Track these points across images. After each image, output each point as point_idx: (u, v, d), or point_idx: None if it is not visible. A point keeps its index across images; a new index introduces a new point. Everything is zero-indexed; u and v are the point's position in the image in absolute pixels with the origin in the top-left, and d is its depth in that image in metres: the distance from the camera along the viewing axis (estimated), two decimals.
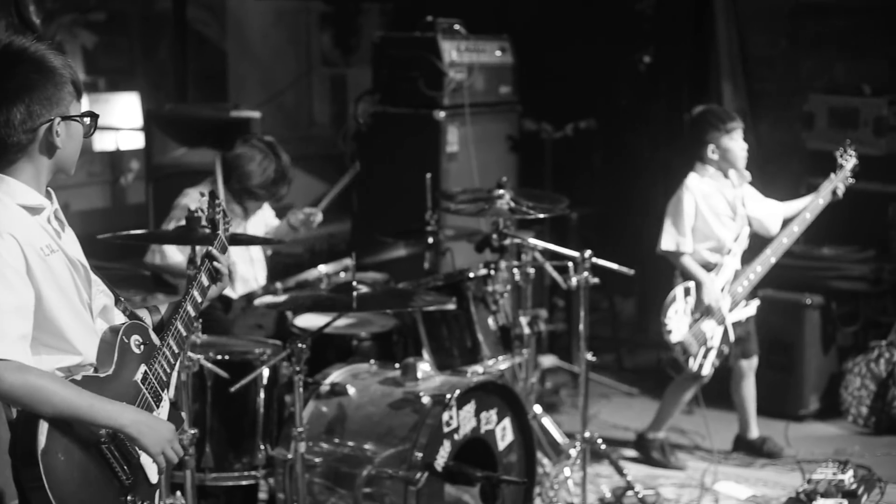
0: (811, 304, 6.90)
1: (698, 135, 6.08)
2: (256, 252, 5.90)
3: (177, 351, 3.37)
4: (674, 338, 5.88)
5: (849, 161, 6.16)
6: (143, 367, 3.25)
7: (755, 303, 6.17)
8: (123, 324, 3.28)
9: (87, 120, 3.24)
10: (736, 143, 6.05)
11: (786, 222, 6.13)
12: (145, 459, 3.23)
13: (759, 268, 6.03)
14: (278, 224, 5.99)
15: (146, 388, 3.25)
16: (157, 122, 7.59)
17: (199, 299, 3.51)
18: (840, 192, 6.09)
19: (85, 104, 3.30)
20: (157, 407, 3.29)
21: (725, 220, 6.06)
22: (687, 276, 5.99)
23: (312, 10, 10.87)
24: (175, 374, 3.44)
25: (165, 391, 3.33)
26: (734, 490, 5.87)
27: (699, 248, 6.04)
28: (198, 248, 3.97)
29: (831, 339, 7.02)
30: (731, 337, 6.02)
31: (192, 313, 3.47)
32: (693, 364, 5.90)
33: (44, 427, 2.99)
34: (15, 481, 3.09)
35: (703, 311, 5.92)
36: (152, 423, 3.20)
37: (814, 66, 8.20)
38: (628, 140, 8.75)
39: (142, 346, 3.27)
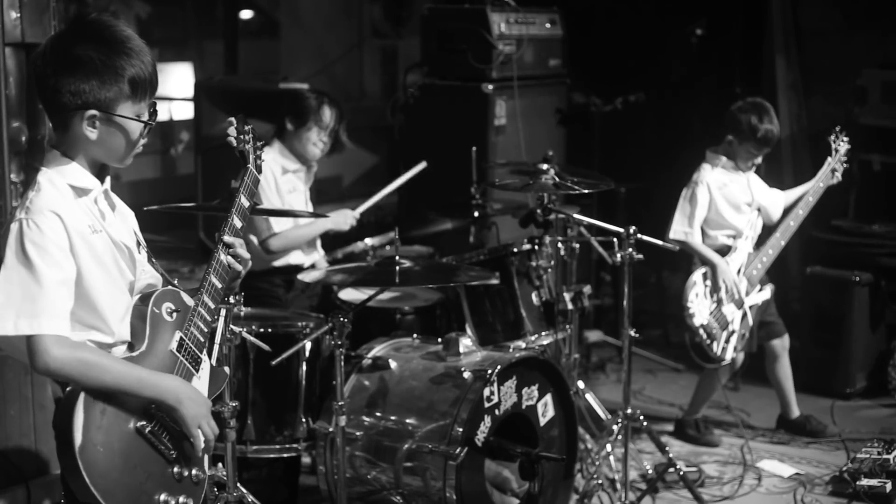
0: (860, 280, 6.83)
1: (732, 120, 6.04)
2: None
3: (212, 306, 3.34)
4: (697, 321, 5.85)
5: (842, 146, 6.19)
6: (178, 335, 3.25)
7: (770, 287, 6.14)
8: (153, 292, 3.27)
9: (132, 124, 3.18)
10: (753, 157, 6.06)
11: (786, 210, 6.15)
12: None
13: (771, 251, 6.05)
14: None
15: (183, 356, 3.25)
16: (206, 93, 7.63)
17: (240, 224, 3.46)
18: (839, 175, 6.13)
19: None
20: (197, 371, 3.30)
21: (743, 208, 6.07)
22: (704, 260, 5.97)
23: None
24: (220, 327, 3.44)
25: (203, 352, 3.33)
26: (778, 468, 5.84)
27: (715, 235, 6.04)
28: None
29: (880, 317, 6.95)
30: (750, 321, 6.01)
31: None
32: (717, 348, 5.88)
33: (79, 423, 3.00)
34: (59, 458, 3.13)
35: (721, 293, 5.89)
36: (195, 396, 3.23)
37: (868, 40, 8.09)
38: (678, 114, 8.67)
39: (174, 314, 3.26)
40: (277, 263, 5.69)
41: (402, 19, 10.59)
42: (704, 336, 5.85)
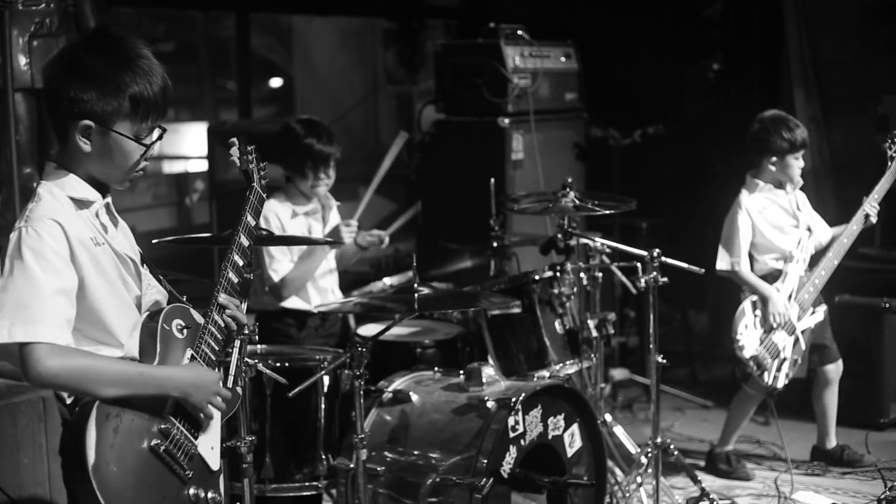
0: (889, 307, 6.68)
1: (763, 144, 5.92)
2: (333, 262, 5.74)
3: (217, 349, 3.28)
4: (746, 353, 5.72)
5: None
6: (189, 352, 3.16)
7: (823, 308, 5.99)
8: (162, 309, 3.18)
9: (128, 143, 3.08)
10: (799, 163, 5.93)
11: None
12: (203, 448, 3.16)
13: (824, 272, 5.89)
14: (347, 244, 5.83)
15: None
16: (219, 138, 7.54)
17: (246, 243, 3.39)
18: (873, 218, 5.91)
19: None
20: None
21: (788, 230, 5.95)
22: (753, 290, 5.84)
23: (377, 27, 10.83)
24: (234, 357, 3.34)
25: (215, 370, 3.25)
26: (813, 499, 5.66)
27: (764, 259, 5.91)
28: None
29: None
30: (803, 346, 5.86)
31: (240, 261, 3.37)
32: (768, 378, 5.74)
33: (91, 441, 2.92)
34: (65, 482, 3.02)
35: (772, 323, 5.75)
36: (196, 380, 3.14)
37: (888, 68, 8.01)
38: (698, 148, 8.59)
39: (185, 330, 3.18)
40: (288, 305, 5.53)
41: (416, 64, 10.53)
42: (755, 367, 5.72)
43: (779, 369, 5.78)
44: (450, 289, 5.69)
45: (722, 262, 5.90)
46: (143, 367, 3.06)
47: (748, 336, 5.74)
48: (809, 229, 5.96)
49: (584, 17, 8.64)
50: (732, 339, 5.73)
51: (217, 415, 3.22)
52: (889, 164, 5.94)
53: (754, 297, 5.81)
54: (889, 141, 5.98)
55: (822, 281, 5.89)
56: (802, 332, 5.86)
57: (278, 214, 5.49)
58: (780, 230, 5.92)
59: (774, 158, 5.89)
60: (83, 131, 3.05)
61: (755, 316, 5.78)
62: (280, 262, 5.43)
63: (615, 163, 7.78)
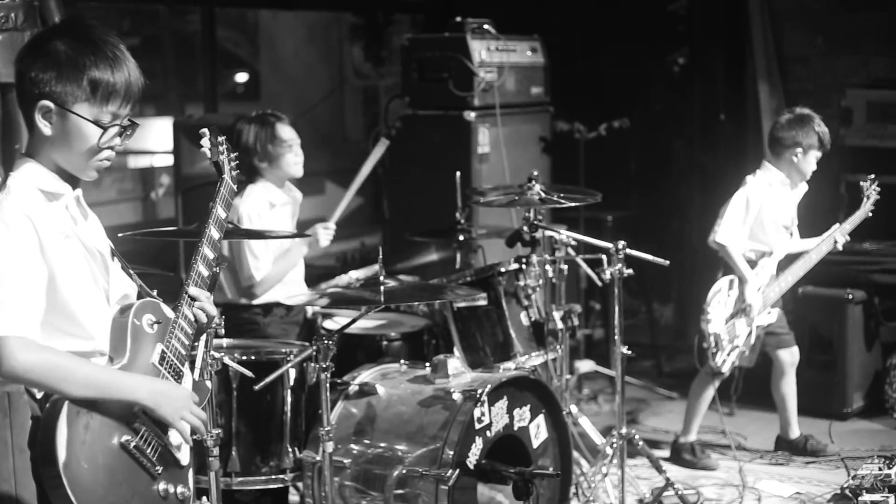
0: (853, 299, 6.76)
1: (795, 136, 5.98)
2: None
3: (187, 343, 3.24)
4: (711, 328, 5.78)
5: (873, 194, 6.20)
6: (159, 347, 3.14)
7: (777, 311, 6.07)
8: (132, 304, 3.16)
9: (87, 126, 3.05)
10: (814, 163, 6.05)
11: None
12: (172, 443, 3.15)
13: (791, 278, 6.01)
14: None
15: (165, 368, 3.14)
16: (185, 132, 7.50)
17: (217, 236, 3.37)
18: (839, 247, 6.09)
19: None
20: (179, 384, 3.19)
21: (781, 229, 6.04)
22: (730, 270, 5.89)
23: (343, 21, 10.82)
24: (200, 349, 3.34)
25: (185, 364, 3.22)
26: (777, 488, 5.72)
27: (750, 247, 5.98)
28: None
29: (874, 335, 6.87)
30: (753, 339, 5.94)
31: (210, 254, 3.34)
32: (719, 358, 5.81)
33: (62, 439, 2.90)
34: (34, 476, 3.01)
35: (740, 307, 5.81)
36: (169, 391, 3.11)
37: (851, 63, 8.08)
38: (663, 141, 8.63)
39: (155, 325, 3.16)
40: (257, 301, 5.53)
41: (382, 59, 10.53)
42: (713, 343, 5.78)
43: (729, 353, 5.86)
44: (416, 282, 5.70)
45: (723, 235, 5.91)
46: (115, 375, 3.03)
47: (717, 312, 5.80)
48: (791, 234, 6.06)
49: (552, 11, 8.65)
50: (703, 310, 5.78)
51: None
52: (864, 200, 6.14)
53: (733, 277, 5.86)
54: (869, 180, 6.19)
55: (787, 285, 6.00)
56: (758, 326, 5.93)
57: (258, 209, 5.48)
58: (776, 227, 6.01)
59: (800, 150, 5.95)
60: (43, 113, 3.02)
61: (728, 296, 5.84)
62: (263, 262, 5.44)
63: (581, 156, 7.80)
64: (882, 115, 7.49)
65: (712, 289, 5.83)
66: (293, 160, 5.58)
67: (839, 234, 6.05)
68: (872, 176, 6.27)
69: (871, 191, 6.19)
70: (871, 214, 6.19)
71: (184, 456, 3.19)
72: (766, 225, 5.98)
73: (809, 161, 6.00)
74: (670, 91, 8.67)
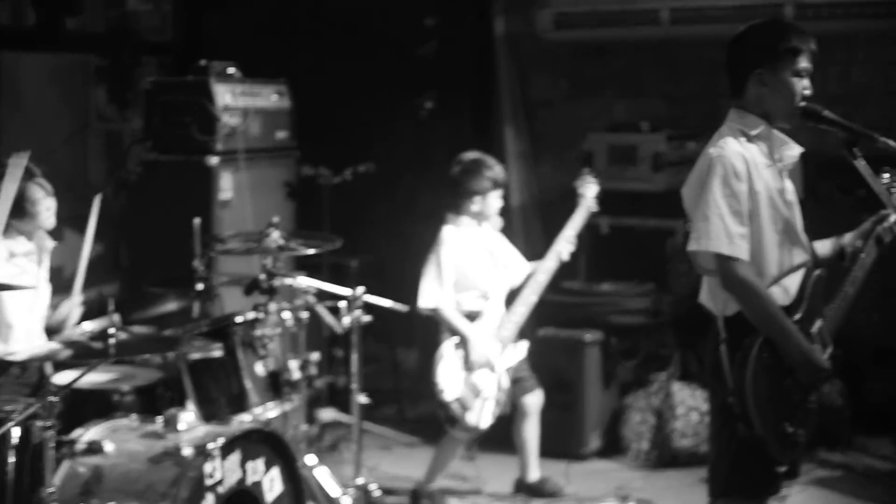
0: (590, 340, 6.88)
1: (467, 185, 6.04)
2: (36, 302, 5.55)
3: None
4: (447, 396, 5.80)
5: (590, 189, 6.31)
6: None
7: (524, 343, 6.11)
8: None
9: None
10: (498, 200, 6.09)
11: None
12: None
13: (522, 308, 6.04)
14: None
15: None
16: None
17: None
18: (564, 256, 6.15)
19: None
20: None
21: (487, 268, 6.07)
22: (453, 330, 5.92)
23: (89, 63, 10.53)
24: None
25: None
26: None
27: (462, 299, 6.01)
28: None
29: (612, 375, 7.01)
30: (505, 383, 5.96)
31: None
32: (472, 418, 5.82)
33: None
34: None
35: (473, 363, 5.84)
36: None
37: (594, 107, 8.31)
38: (410, 186, 8.67)
39: None
40: None
41: (128, 102, 10.28)
42: (458, 409, 5.78)
43: (483, 408, 5.87)
44: (149, 332, 5.56)
45: (426, 299, 5.95)
46: None
47: (450, 378, 5.81)
48: (506, 267, 6.10)
49: (300, 55, 8.63)
50: (433, 382, 5.78)
51: None
52: (579, 202, 6.20)
53: (456, 338, 5.89)
54: (585, 174, 6.31)
55: (520, 317, 6.02)
56: (507, 369, 5.97)
57: None
58: (479, 268, 6.03)
59: (478, 197, 6.00)
60: None
61: (457, 357, 5.86)
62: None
63: (326, 201, 7.77)
64: (622, 158, 7.68)
65: (436, 359, 5.84)
66: (45, 214, 5.43)
67: (563, 244, 6.10)
68: (587, 169, 6.42)
69: (587, 188, 6.29)
70: (594, 209, 6.29)
71: None
72: (468, 271, 6.02)
73: (490, 203, 6.06)
74: (417, 135, 8.73)
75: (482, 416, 5.86)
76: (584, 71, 8.42)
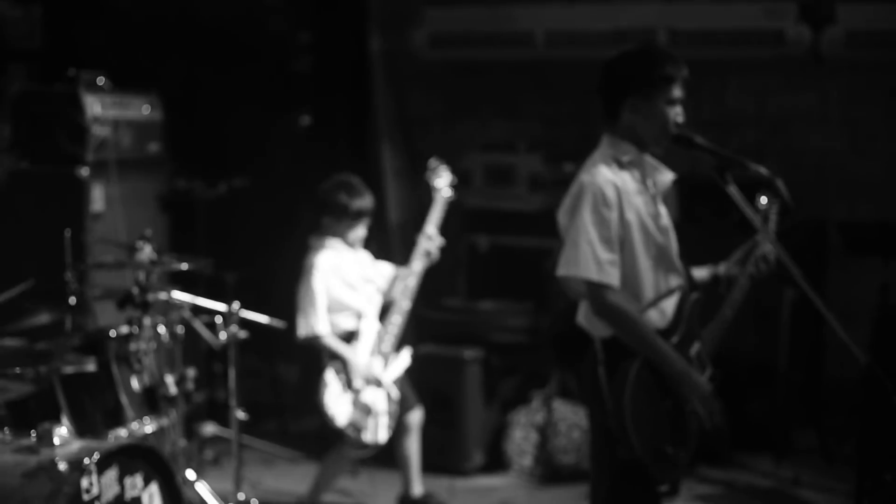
0: (471, 357, 6.86)
1: (332, 206, 6.00)
2: None
3: None
4: (340, 422, 5.73)
5: (442, 179, 6.31)
6: None
7: (407, 352, 6.08)
8: None
9: None
10: (363, 230, 6.04)
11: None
12: None
13: (398, 317, 6.01)
14: None
15: None
16: None
17: None
18: (434, 254, 6.14)
19: None
20: None
21: (359, 286, 6.03)
22: (333, 355, 5.84)
23: None
24: None
25: None
26: None
27: (337, 320, 5.95)
28: None
29: (493, 392, 6.99)
30: (395, 395, 5.91)
31: None
32: (368, 436, 5.77)
33: None
34: None
35: (356, 385, 5.78)
36: None
37: (471, 126, 8.30)
38: (286, 201, 8.56)
39: None
40: None
41: None
42: (353, 431, 5.72)
43: (377, 424, 5.81)
44: (20, 346, 5.38)
45: (303, 328, 5.88)
46: None
47: (338, 404, 5.75)
48: (374, 281, 6.06)
49: (174, 67, 8.48)
50: (322, 412, 5.72)
51: None
52: (434, 192, 6.23)
53: (336, 363, 5.82)
54: (435, 163, 6.34)
55: (398, 326, 6.00)
56: (394, 381, 5.91)
57: None
58: (351, 287, 5.99)
59: (328, 219, 5.96)
60: None
61: (340, 382, 5.79)
62: None
63: (200, 215, 7.63)
64: (499, 177, 7.68)
65: (320, 388, 5.76)
66: None
67: (426, 242, 6.08)
68: (434, 158, 6.39)
69: (438, 179, 6.27)
70: (451, 197, 6.27)
71: None
72: (340, 293, 5.96)
73: (343, 231, 6.00)
74: (294, 150, 8.64)
75: (378, 432, 5.82)
76: (460, 90, 8.42)
